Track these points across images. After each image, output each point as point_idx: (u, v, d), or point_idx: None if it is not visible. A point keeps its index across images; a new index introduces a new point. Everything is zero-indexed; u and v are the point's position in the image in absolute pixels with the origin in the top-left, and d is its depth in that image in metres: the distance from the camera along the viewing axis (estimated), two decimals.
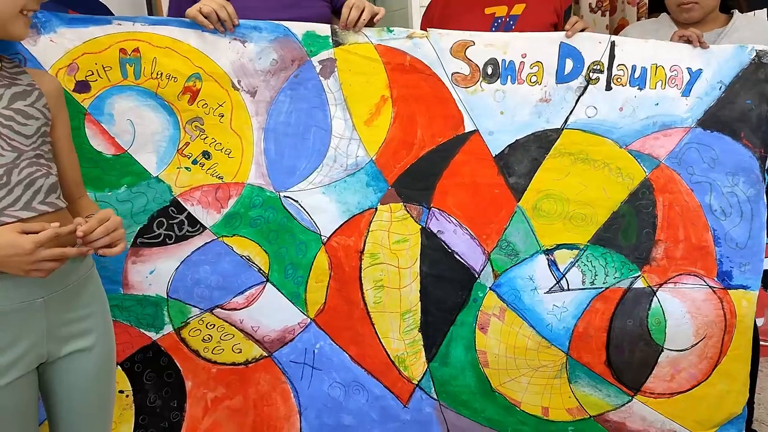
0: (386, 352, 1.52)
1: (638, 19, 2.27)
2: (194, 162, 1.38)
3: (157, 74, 1.33)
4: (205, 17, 1.31)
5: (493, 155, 1.48)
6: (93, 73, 1.31)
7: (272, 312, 1.44)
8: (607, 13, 2.22)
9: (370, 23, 1.41)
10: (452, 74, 1.46)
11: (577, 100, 1.49)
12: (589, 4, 2.19)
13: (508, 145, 1.48)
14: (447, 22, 1.62)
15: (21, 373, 1.01)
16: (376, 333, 1.51)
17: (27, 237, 0.95)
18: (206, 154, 1.38)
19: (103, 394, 1.14)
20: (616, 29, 2.29)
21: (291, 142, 1.42)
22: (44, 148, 1.06)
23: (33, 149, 1.03)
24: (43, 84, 1.10)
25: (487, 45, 1.45)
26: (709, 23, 1.66)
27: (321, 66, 1.41)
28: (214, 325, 1.43)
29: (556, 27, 1.65)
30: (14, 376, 1.00)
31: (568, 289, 1.53)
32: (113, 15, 1.61)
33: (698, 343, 1.55)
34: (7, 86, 1.03)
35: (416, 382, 1.53)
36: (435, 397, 1.55)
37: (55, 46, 1.29)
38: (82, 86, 1.31)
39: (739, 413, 1.57)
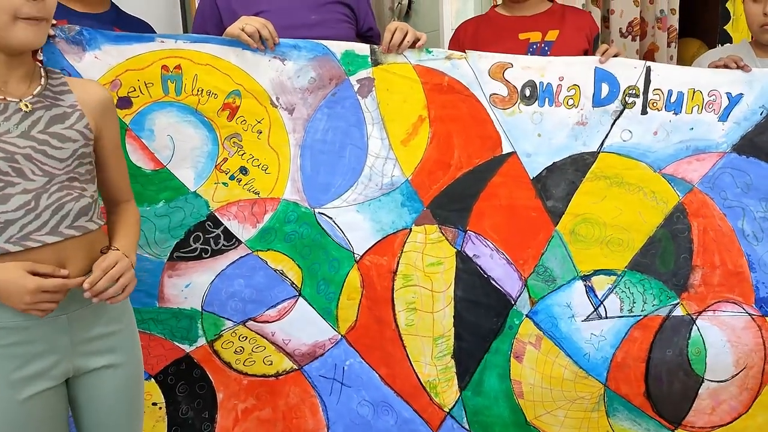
0: (417, 376, 1.49)
1: (668, 45, 2.27)
2: (231, 177, 1.39)
3: (198, 91, 1.35)
4: (248, 36, 1.32)
5: (531, 177, 1.47)
6: (135, 90, 1.33)
7: (303, 326, 1.43)
8: (638, 38, 2.23)
9: (411, 47, 1.41)
10: (490, 95, 1.46)
11: (613, 124, 1.48)
12: (620, 29, 2.20)
13: (546, 168, 1.47)
14: (480, 47, 1.61)
15: (49, 385, 1.01)
16: (407, 356, 1.49)
17: (32, 279, 0.97)
18: (243, 170, 1.39)
19: (130, 411, 1.13)
20: (645, 54, 2.30)
21: (327, 160, 1.42)
22: (80, 170, 1.06)
23: (66, 173, 1.03)
24: (88, 98, 1.10)
25: (525, 67, 1.46)
26: None
27: (359, 85, 1.42)
28: (246, 338, 1.42)
29: (587, 53, 1.65)
30: (42, 387, 1.00)
31: (606, 317, 1.50)
32: (155, 32, 1.65)
33: (739, 373, 1.50)
34: (48, 108, 1.03)
35: (447, 410, 1.50)
36: (467, 427, 1.51)
37: (99, 63, 1.31)
38: (124, 102, 1.33)
39: None
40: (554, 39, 1.62)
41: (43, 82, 1.05)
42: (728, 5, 2.20)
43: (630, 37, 2.20)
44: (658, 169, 1.49)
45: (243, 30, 1.32)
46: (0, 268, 0.97)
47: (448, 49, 1.73)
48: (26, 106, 1.01)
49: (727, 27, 2.20)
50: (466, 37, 1.70)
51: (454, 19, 2.04)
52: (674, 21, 2.27)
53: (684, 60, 2.43)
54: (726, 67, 1.49)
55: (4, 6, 0.98)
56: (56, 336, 1.02)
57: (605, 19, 2.19)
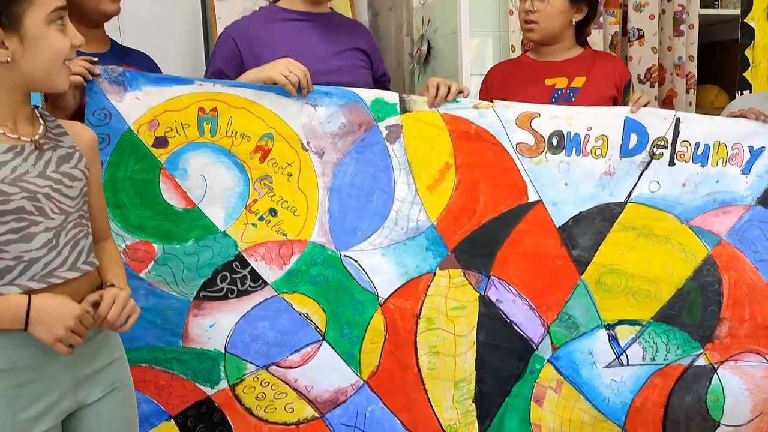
0: (438, 420, 1.48)
1: (687, 91, 2.30)
2: (261, 218, 1.40)
3: (232, 133, 1.38)
4: (291, 85, 1.36)
5: (557, 226, 1.48)
6: (172, 130, 1.36)
7: (326, 372, 1.43)
8: (656, 84, 2.25)
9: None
10: (517, 144, 1.48)
11: (641, 175, 1.49)
12: (638, 75, 2.22)
13: (572, 217, 1.48)
14: (507, 91, 1.65)
15: (52, 424, 1.02)
16: (429, 400, 1.47)
17: (78, 305, 0.99)
18: (273, 212, 1.41)
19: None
20: (664, 100, 2.32)
21: (354, 203, 1.44)
22: (84, 208, 1.09)
23: (77, 210, 1.06)
24: (80, 139, 1.12)
25: (552, 117, 1.48)
26: None
27: (387, 131, 1.45)
28: (269, 383, 1.41)
29: (615, 100, 1.67)
30: (46, 426, 1.01)
31: (628, 365, 1.49)
32: (156, 64, 1.69)
33: (754, 419, 1.49)
34: (53, 149, 1.05)
35: None
36: None
37: (139, 103, 1.35)
38: (161, 142, 1.36)
39: None
40: (580, 86, 1.64)
41: (42, 123, 1.07)
42: (747, 53, 2.22)
43: (648, 83, 2.23)
44: (686, 221, 1.49)
45: (287, 78, 1.35)
46: (41, 296, 0.98)
47: (479, 93, 1.77)
48: (39, 145, 1.03)
49: (746, 74, 2.22)
50: (494, 81, 1.73)
51: (472, 65, 2.08)
52: (692, 68, 2.30)
53: (702, 106, 2.45)
54: (744, 117, 1.51)
55: (57, 53, 1.02)
56: (60, 374, 1.03)
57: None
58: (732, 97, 2.52)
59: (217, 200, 1.38)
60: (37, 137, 1.04)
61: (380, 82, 1.68)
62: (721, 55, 2.53)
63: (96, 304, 1.03)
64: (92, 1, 1.47)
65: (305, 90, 1.38)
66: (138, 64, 1.64)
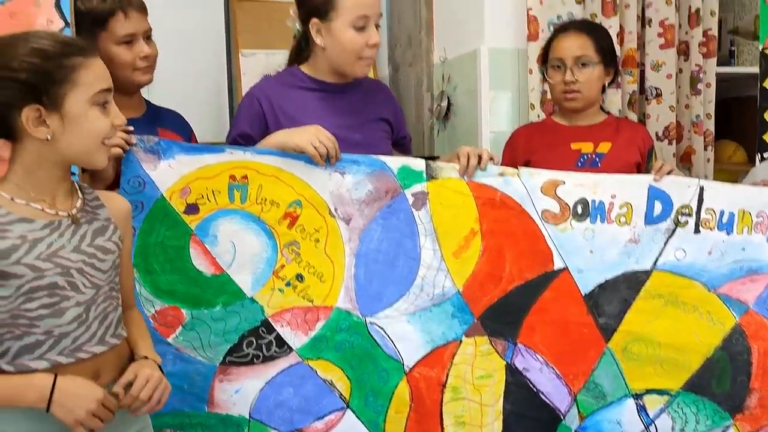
0: None
1: (705, 148, 2.31)
2: (288, 284, 1.41)
3: (262, 200, 1.40)
4: (320, 156, 1.38)
5: (583, 294, 1.48)
6: (203, 197, 1.39)
7: None
8: (674, 141, 2.27)
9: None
10: (542, 211, 1.49)
11: (666, 242, 1.49)
12: (656, 132, 2.24)
13: (598, 285, 1.48)
14: (532, 154, 1.68)
15: None
16: None
17: (100, 388, 1.00)
18: (300, 277, 1.42)
19: None
20: (682, 156, 2.33)
21: (380, 269, 1.45)
22: (116, 280, 1.11)
23: (108, 283, 1.07)
24: (115, 210, 1.14)
25: (577, 185, 1.49)
26: None
27: (413, 198, 1.46)
28: None
29: (639, 166, 1.68)
30: None
31: None
32: (188, 123, 1.74)
33: None
34: (89, 222, 1.07)
35: None
36: None
37: (172, 171, 1.38)
38: (192, 209, 1.39)
39: None
40: (606, 151, 1.66)
41: (81, 196, 1.09)
42: (766, 115, 2.24)
43: (667, 141, 2.24)
44: (713, 289, 1.49)
45: (317, 149, 1.37)
46: (66, 378, 0.99)
47: (503, 154, 1.79)
48: (75, 219, 1.05)
49: (766, 136, 2.24)
50: (519, 143, 1.75)
51: (491, 121, 2.11)
52: (710, 125, 2.31)
53: (721, 162, 2.46)
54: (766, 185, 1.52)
55: (96, 133, 1.04)
56: None
57: (641, 123, 2.25)
58: (750, 154, 2.54)
59: (245, 266, 1.40)
60: (74, 211, 1.06)
61: (401, 144, 1.70)
62: (739, 111, 2.55)
63: (129, 384, 1.04)
64: (126, 73, 1.52)
65: (333, 159, 1.41)
66: (171, 124, 1.70)
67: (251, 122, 1.54)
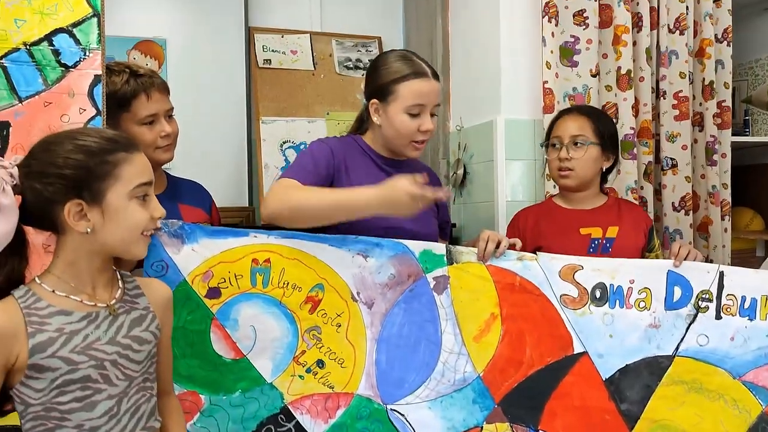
0: None
1: (722, 218, 2.30)
2: (308, 370, 1.41)
3: (284, 284, 1.42)
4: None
5: (604, 379, 1.46)
6: (225, 281, 1.40)
7: None
8: (690, 212, 2.27)
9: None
10: (561, 296, 1.49)
11: (688, 328, 1.48)
12: (672, 203, 2.24)
13: (619, 370, 1.47)
14: (542, 240, 1.67)
15: None
16: None
17: None
18: (320, 363, 1.42)
19: None
20: (699, 226, 2.32)
21: (401, 355, 1.44)
22: (150, 370, 1.11)
23: (142, 374, 1.08)
24: (155, 298, 1.15)
25: (595, 270, 1.50)
26: None
27: (435, 282, 1.47)
28: None
29: (643, 248, 1.70)
30: None
31: None
32: (208, 193, 1.77)
33: None
34: (127, 312, 1.08)
35: None
36: None
37: (196, 255, 1.39)
38: (214, 293, 1.40)
39: None
40: (615, 236, 1.67)
41: (121, 285, 1.11)
42: None
43: (683, 211, 2.24)
44: (738, 376, 1.47)
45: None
46: None
47: (506, 233, 1.79)
48: (113, 311, 1.06)
49: None
50: (527, 227, 1.76)
51: (508, 191, 2.13)
52: (726, 195, 2.31)
53: (738, 230, 2.46)
54: None
55: (136, 225, 1.06)
56: None
57: (657, 193, 2.25)
58: (767, 221, 2.54)
59: (265, 351, 1.40)
60: (113, 302, 1.07)
61: (442, 229, 1.72)
62: (754, 178, 2.57)
63: None
64: (148, 152, 1.52)
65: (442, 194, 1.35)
66: (191, 197, 1.72)
67: (326, 159, 1.50)
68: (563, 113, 1.77)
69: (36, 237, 1.13)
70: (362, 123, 1.66)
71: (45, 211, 1.02)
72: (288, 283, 1.42)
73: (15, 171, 1.00)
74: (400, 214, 1.33)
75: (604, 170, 1.75)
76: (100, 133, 1.07)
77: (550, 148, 1.74)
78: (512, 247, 1.51)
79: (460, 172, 2.32)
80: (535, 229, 1.73)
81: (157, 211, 1.09)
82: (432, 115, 1.55)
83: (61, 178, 1.00)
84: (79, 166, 1.00)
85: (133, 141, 1.10)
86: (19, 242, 1.03)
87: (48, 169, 1.00)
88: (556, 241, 1.61)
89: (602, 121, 1.73)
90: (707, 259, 2.24)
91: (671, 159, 2.21)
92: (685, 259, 1.50)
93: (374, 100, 1.56)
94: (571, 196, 1.76)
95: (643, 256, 1.68)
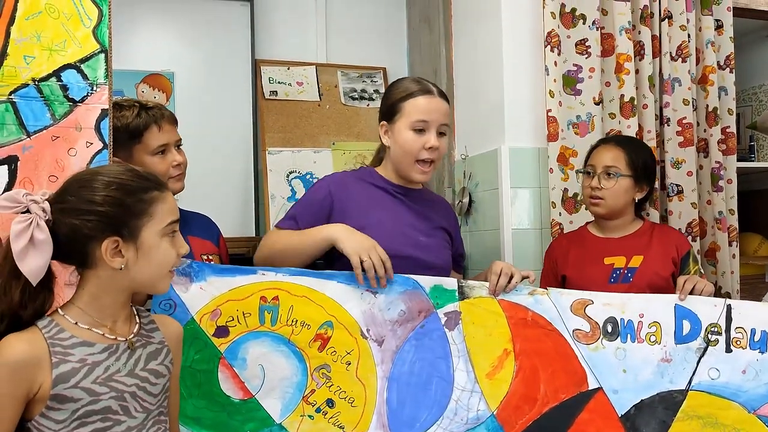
0: None
1: (729, 244, 2.29)
2: (318, 410, 1.39)
3: (293, 321, 1.40)
4: (365, 270, 1.37)
5: (619, 415, 1.44)
6: (233, 319, 1.39)
7: None
8: (698, 238, 2.26)
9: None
10: (573, 330, 1.47)
11: (699, 361, 1.46)
12: (679, 228, 2.23)
13: (634, 405, 1.44)
14: (567, 270, 1.70)
15: None
16: None
17: None
18: (330, 403, 1.40)
19: None
20: (707, 252, 2.31)
21: (413, 393, 1.42)
22: (164, 404, 1.11)
23: (157, 407, 1.08)
24: (168, 333, 1.16)
25: (605, 304, 1.48)
26: None
27: (446, 318, 1.45)
28: None
29: (674, 275, 1.68)
30: None
31: None
32: (216, 224, 1.76)
33: None
34: (144, 345, 1.09)
35: None
36: None
37: (204, 293, 1.38)
38: (222, 331, 1.38)
39: None
40: (638, 266, 1.67)
41: (138, 320, 1.12)
42: None
43: (690, 237, 2.23)
44: (752, 410, 1.44)
45: (362, 263, 1.37)
46: None
47: (544, 262, 1.80)
48: (131, 344, 1.07)
49: None
50: (558, 256, 1.78)
51: (514, 218, 2.11)
52: (733, 221, 2.30)
53: (746, 255, 2.44)
54: None
55: (166, 263, 1.09)
56: None
57: (664, 219, 2.25)
58: None
59: (274, 391, 1.38)
60: (131, 336, 1.08)
61: (456, 261, 1.71)
62: (762, 203, 2.56)
63: None
64: None
65: (383, 281, 1.39)
66: (199, 230, 1.72)
67: (312, 206, 1.54)
68: (601, 142, 1.80)
69: (62, 271, 1.12)
70: (379, 154, 1.68)
71: (80, 247, 1.02)
72: (297, 321, 1.40)
73: (47, 206, 1.01)
74: (350, 246, 1.39)
75: (637, 201, 1.75)
76: (132, 171, 1.09)
77: (585, 175, 1.77)
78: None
79: (466, 200, 2.32)
80: (564, 259, 1.75)
81: (183, 248, 1.11)
82: (440, 134, 1.54)
83: (100, 215, 1.01)
84: (117, 203, 1.02)
85: (162, 180, 1.12)
86: (48, 276, 1.03)
87: (86, 206, 1.01)
88: (578, 272, 1.63)
89: (638, 153, 1.74)
90: (716, 285, 2.23)
91: (677, 185, 2.21)
92: (691, 293, 1.49)
93: (383, 122, 1.58)
94: (603, 223, 1.77)
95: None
